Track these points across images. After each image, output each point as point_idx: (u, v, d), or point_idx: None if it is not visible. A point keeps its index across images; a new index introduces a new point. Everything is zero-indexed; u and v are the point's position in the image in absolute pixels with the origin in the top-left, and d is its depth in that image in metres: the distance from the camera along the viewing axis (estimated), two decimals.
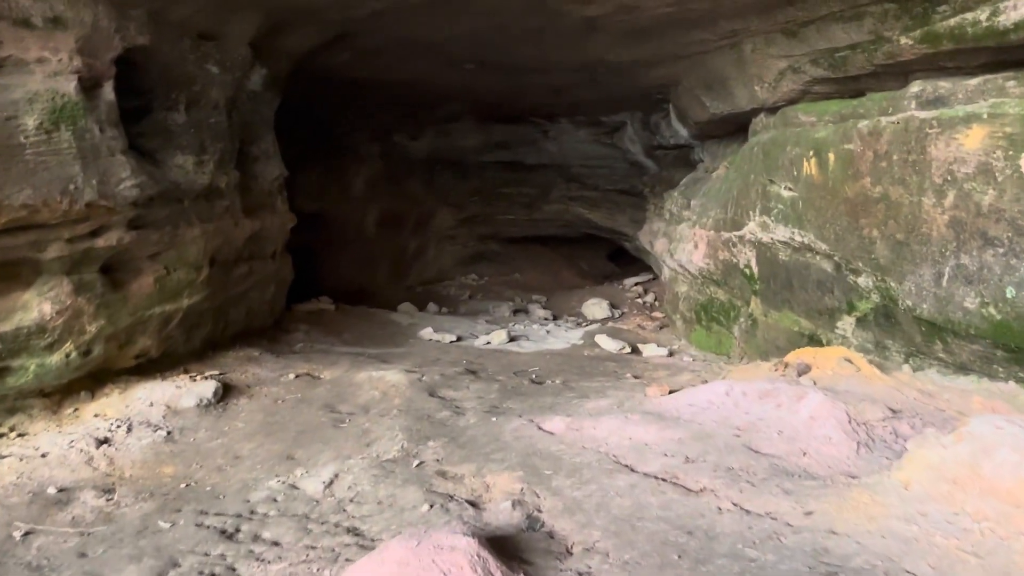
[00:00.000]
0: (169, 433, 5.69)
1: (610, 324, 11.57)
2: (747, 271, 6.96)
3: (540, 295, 14.60)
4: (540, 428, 4.91)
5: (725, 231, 7.14)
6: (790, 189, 6.14)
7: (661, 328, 10.42)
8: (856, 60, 5.82)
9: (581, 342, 9.11)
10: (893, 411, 4.30)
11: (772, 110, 6.89)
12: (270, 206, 8.37)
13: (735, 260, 7.10)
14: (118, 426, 5.76)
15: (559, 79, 9.82)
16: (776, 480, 3.68)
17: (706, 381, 5.90)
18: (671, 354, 8.23)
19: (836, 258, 5.76)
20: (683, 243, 8.61)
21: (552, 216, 15.55)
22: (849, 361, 5.15)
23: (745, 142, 8.18)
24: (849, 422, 4.12)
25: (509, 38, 8.17)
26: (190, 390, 6.34)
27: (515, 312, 12.93)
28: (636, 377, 6.82)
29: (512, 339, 9.38)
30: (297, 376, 7.01)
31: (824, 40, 5.79)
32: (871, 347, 5.56)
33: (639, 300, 13.47)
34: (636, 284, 14.56)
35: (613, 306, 12.81)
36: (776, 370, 5.19)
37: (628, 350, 8.47)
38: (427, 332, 9.65)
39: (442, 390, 6.47)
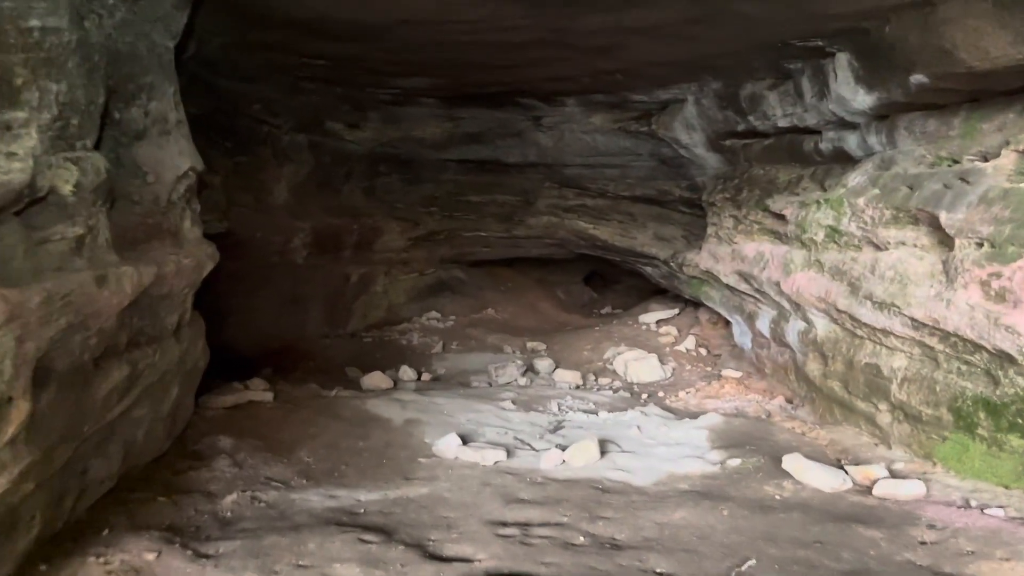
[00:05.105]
0: None
1: (682, 395, 7.85)
2: None
3: (533, 340, 10.66)
4: None
5: None
6: None
7: (793, 406, 6.78)
8: None
9: (737, 462, 5.24)
10: None
11: None
12: (171, 232, 4.10)
13: None
14: None
15: (649, 17, 5.91)
16: None
17: None
18: (927, 490, 4.58)
19: None
20: (917, 286, 5.00)
21: (540, 232, 11.65)
22: None
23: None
24: None
25: None
26: None
27: (524, 373, 8.98)
28: None
29: (601, 452, 5.47)
30: None
31: None
32: None
33: (680, 348, 9.81)
34: (660, 321, 10.90)
35: (659, 360, 9.11)
36: None
37: (848, 484, 4.73)
38: (449, 445, 5.58)
39: None
